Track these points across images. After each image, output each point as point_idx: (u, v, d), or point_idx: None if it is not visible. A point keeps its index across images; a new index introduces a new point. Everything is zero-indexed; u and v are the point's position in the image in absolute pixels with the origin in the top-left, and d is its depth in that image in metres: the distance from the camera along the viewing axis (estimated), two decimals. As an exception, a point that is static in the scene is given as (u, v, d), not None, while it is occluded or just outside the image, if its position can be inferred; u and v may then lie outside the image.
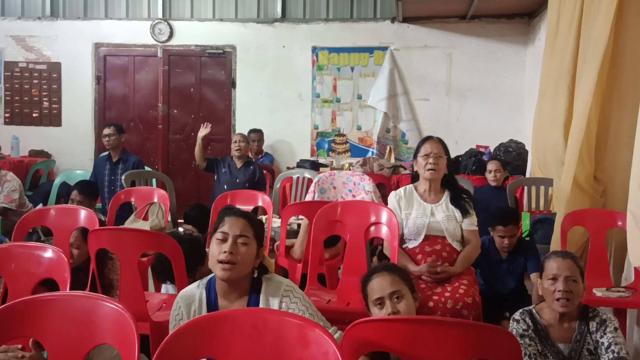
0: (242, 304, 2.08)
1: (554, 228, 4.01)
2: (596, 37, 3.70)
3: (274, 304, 2.07)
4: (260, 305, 2.06)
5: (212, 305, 2.10)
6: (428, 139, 3.28)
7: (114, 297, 2.88)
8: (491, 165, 5.40)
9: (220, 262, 2.03)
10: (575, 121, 3.80)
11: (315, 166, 6.38)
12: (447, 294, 2.89)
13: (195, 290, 2.13)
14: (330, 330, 1.67)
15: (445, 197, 3.25)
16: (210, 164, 5.58)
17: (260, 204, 4.36)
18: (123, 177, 5.25)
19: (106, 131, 5.64)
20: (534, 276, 3.57)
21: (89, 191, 4.65)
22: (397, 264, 2.48)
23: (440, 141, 3.26)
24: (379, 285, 2.22)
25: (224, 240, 2.08)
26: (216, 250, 2.06)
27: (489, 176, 5.35)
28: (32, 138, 7.48)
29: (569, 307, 2.36)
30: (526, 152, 6.24)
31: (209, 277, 2.17)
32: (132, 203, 4.46)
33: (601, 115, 3.83)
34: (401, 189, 3.33)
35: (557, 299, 2.36)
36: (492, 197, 5.13)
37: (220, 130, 7.50)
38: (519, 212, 5.04)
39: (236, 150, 5.49)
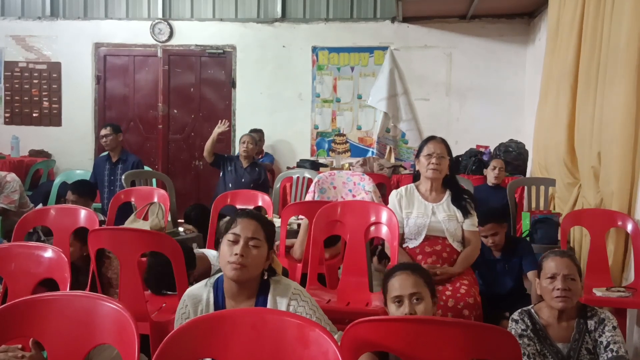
0: (249, 306, 2.07)
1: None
2: (625, 39, 3.62)
3: (282, 306, 2.06)
4: (268, 307, 2.05)
5: (219, 306, 2.09)
6: (431, 138, 3.27)
7: (113, 296, 2.89)
8: (495, 163, 5.37)
9: (231, 263, 2.03)
10: (621, 127, 3.62)
11: (315, 166, 6.38)
12: (448, 293, 2.90)
13: (203, 289, 2.13)
14: (336, 336, 1.66)
15: (447, 197, 3.25)
16: (217, 160, 5.65)
17: (260, 203, 4.37)
18: (123, 177, 5.25)
19: (103, 132, 5.63)
20: (530, 274, 3.56)
21: (83, 191, 4.65)
22: (420, 265, 2.42)
23: (443, 141, 3.26)
24: (401, 283, 2.19)
25: (235, 241, 2.06)
26: (227, 252, 2.05)
27: (491, 173, 5.32)
28: (32, 138, 7.48)
29: (567, 303, 2.37)
30: (526, 152, 6.24)
31: (216, 276, 2.16)
32: (132, 203, 4.46)
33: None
34: (402, 188, 3.33)
35: (556, 297, 2.37)
36: (490, 196, 5.12)
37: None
38: (514, 211, 5.05)
39: (243, 150, 5.56)
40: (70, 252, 3.04)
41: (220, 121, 5.78)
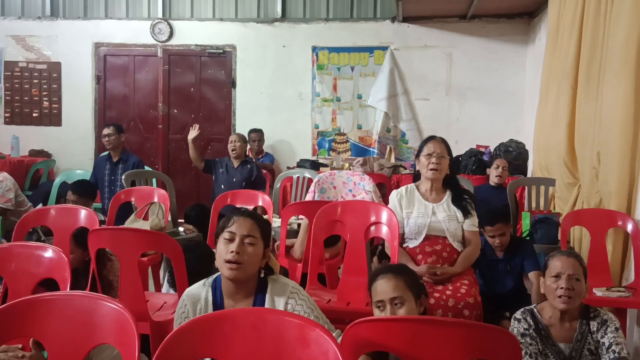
0: (247, 304, 2.08)
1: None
2: (625, 38, 3.62)
3: (280, 304, 2.07)
4: (266, 306, 2.06)
5: (218, 305, 2.10)
6: (431, 138, 3.27)
7: (113, 298, 2.88)
8: (499, 162, 5.35)
9: (228, 261, 2.04)
10: (620, 127, 3.59)
11: (315, 166, 6.38)
12: (448, 292, 2.89)
13: (201, 289, 2.14)
14: (334, 334, 1.66)
15: (447, 197, 3.24)
16: (208, 165, 5.58)
17: (260, 203, 4.37)
18: (123, 177, 5.24)
19: (106, 131, 5.63)
20: (532, 275, 3.56)
21: (83, 191, 4.65)
22: (405, 265, 2.42)
23: (443, 141, 3.26)
24: (382, 288, 2.19)
25: (231, 240, 2.08)
26: (223, 250, 2.07)
27: (494, 172, 5.29)
28: (32, 138, 7.48)
29: (570, 304, 2.36)
30: (526, 151, 6.25)
31: (214, 276, 2.17)
32: (132, 203, 4.46)
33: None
34: (402, 188, 3.32)
35: (559, 296, 2.36)
36: (492, 196, 5.11)
37: (220, 130, 7.50)
38: (515, 211, 5.04)
39: (232, 150, 5.50)
40: (72, 259, 3.02)
41: (191, 127, 5.61)
